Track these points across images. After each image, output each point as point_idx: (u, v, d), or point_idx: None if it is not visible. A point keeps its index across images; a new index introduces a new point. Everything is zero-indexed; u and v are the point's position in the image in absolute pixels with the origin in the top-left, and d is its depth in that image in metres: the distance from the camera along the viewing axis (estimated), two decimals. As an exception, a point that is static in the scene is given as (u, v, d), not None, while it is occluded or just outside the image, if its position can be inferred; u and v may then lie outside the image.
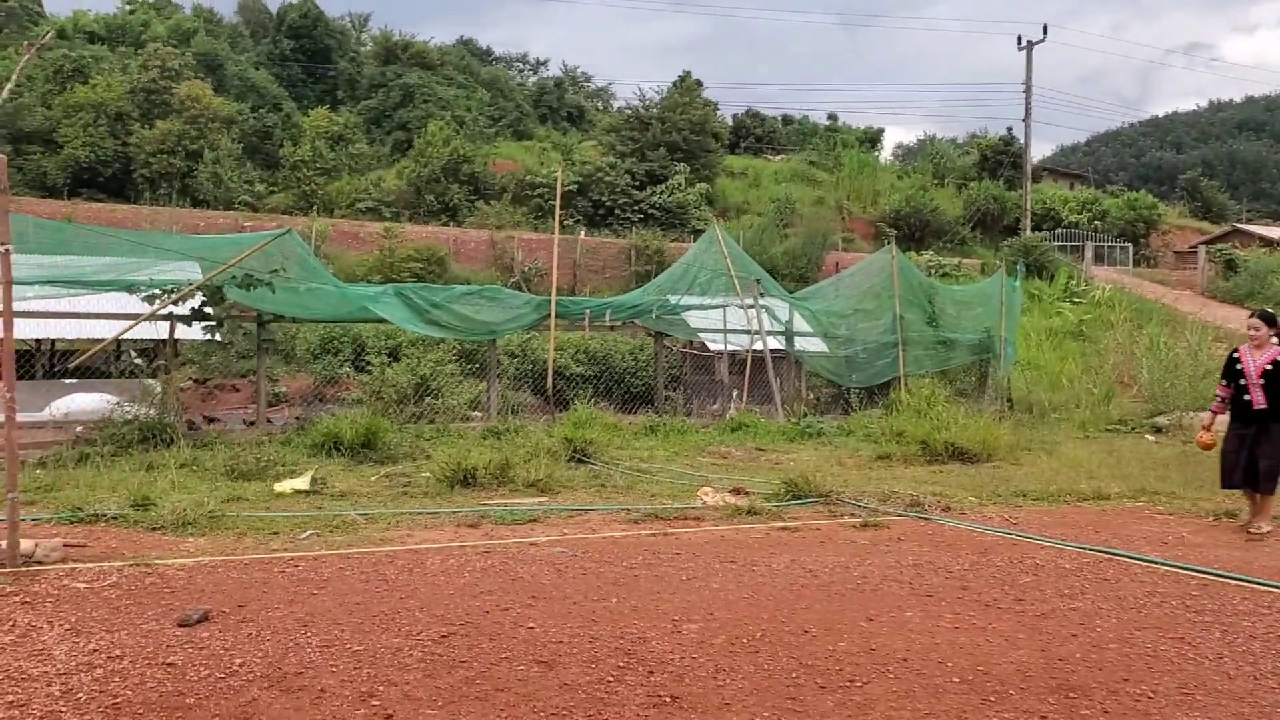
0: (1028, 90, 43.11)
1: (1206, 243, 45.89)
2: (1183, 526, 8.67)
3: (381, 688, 4.45)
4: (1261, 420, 8.46)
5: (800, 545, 7.63)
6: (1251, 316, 8.83)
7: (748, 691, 4.49)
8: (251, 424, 13.65)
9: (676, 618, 5.59)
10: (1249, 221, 59.30)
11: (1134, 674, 4.71)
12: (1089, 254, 42.28)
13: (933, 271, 32.85)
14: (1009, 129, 62.82)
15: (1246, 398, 8.55)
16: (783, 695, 4.44)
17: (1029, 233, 43.54)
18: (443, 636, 5.18)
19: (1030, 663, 4.94)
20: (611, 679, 4.61)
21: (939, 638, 5.30)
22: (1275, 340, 8.64)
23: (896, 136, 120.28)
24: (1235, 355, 8.79)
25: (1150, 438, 15.84)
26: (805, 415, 16.40)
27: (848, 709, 4.29)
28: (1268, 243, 43.87)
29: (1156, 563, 7.08)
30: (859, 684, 4.59)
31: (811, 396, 18.79)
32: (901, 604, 5.96)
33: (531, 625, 5.39)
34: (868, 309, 18.84)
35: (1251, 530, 8.30)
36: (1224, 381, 8.84)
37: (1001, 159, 55.26)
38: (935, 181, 53.87)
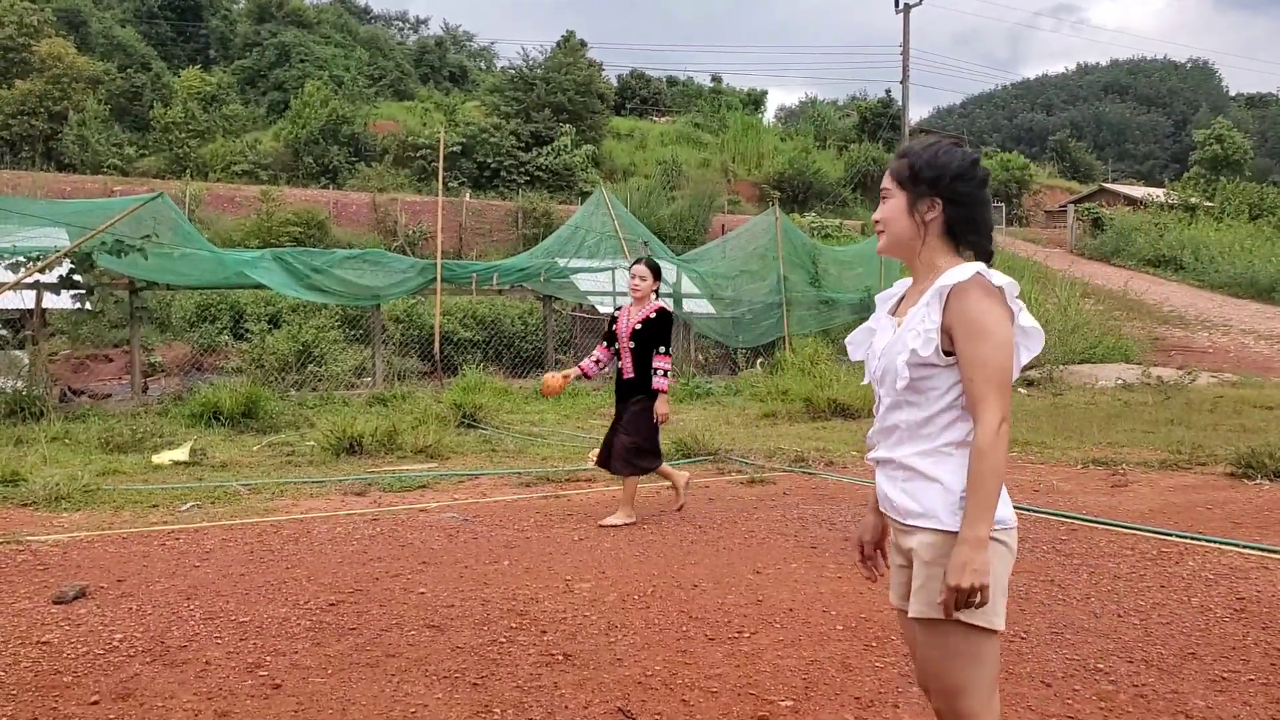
0: (905, 53, 43.83)
1: (1075, 202, 47.67)
2: (1053, 474, 9.03)
3: (269, 658, 4.40)
4: (632, 392, 7.09)
5: (689, 503, 7.74)
6: (636, 263, 7.21)
7: (639, 646, 4.56)
8: (106, 395, 13.21)
9: (569, 577, 5.63)
10: (1115, 181, 61.78)
11: (1009, 616, 4.92)
12: (966, 214, 43.39)
13: (815, 233, 33.42)
14: (888, 91, 64.08)
15: (619, 364, 7.15)
16: (673, 649, 4.53)
17: (907, 194, 44.47)
18: (331, 605, 5.12)
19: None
20: (504, 640, 4.63)
21: (823, 588, 5.45)
22: (657, 296, 7.23)
23: (779, 99, 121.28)
24: (614, 313, 7.34)
25: (1022, 390, 16.43)
26: (694, 376, 16.58)
27: (736, 659, 4.40)
28: (1132, 201, 45.78)
29: (1028, 510, 7.38)
30: (747, 634, 4.70)
31: (700, 358, 19.00)
32: (787, 556, 6.11)
33: (422, 590, 5.37)
34: (753, 270, 19.09)
35: (602, 522, 6.97)
36: (604, 343, 7.28)
37: (881, 121, 56.35)
38: (817, 144, 54.64)
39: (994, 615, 2.36)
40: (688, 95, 67.68)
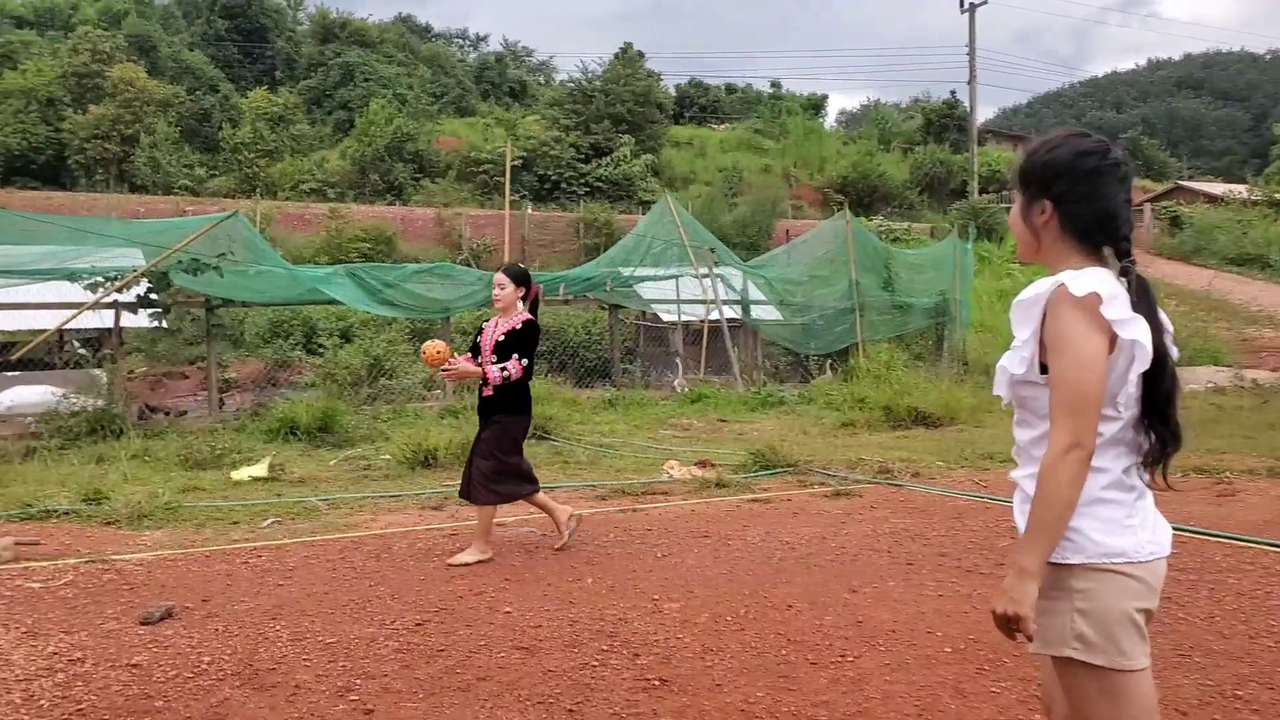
0: (971, 53, 43.26)
1: (1151, 200, 46.51)
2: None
3: (359, 681, 4.30)
4: (493, 411, 6.43)
5: (774, 517, 7.56)
6: (499, 271, 6.61)
7: (738, 671, 4.39)
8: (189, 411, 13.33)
9: (656, 596, 5.47)
10: (1191, 179, 60.24)
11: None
12: (1035, 215, 42.59)
13: (883, 236, 32.94)
14: (952, 92, 63.16)
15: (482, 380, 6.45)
16: (774, 674, 4.35)
17: (976, 195, 43.83)
18: (417, 624, 5.02)
19: (1018, 628, 4.88)
20: (596, 663, 4.49)
21: (924, 607, 5.24)
22: (523, 305, 6.56)
23: (840, 102, 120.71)
24: (483, 325, 6.78)
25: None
26: (765, 384, 16.36)
27: (841, 685, 4.21)
28: (1211, 199, 44.53)
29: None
30: (850, 658, 4.51)
31: (769, 365, 18.77)
32: (883, 574, 5.89)
33: (508, 609, 5.25)
34: (823, 275, 18.82)
35: (451, 561, 6.24)
36: (469, 355, 6.62)
37: (946, 122, 55.55)
38: (881, 147, 54.01)
39: (1114, 654, 2.17)
40: (747, 102, 67.36)
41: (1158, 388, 2.22)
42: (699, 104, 65.12)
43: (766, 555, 6.39)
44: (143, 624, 5.04)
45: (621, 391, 15.72)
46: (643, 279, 18.06)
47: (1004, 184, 48.86)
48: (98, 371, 12.23)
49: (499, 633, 4.90)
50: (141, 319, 12.72)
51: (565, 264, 29.15)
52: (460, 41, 78.40)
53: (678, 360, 17.75)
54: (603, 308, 19.37)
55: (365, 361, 14.26)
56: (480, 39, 79.46)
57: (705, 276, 17.46)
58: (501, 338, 6.37)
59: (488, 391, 6.40)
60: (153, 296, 12.29)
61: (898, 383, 14.08)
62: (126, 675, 4.34)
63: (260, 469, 9.34)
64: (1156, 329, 2.21)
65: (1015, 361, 2.30)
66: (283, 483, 9.11)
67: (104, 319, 13.04)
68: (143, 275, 11.93)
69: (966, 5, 43.31)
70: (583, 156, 42.21)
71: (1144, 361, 2.17)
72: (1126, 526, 2.21)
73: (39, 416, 11.36)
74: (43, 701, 4.03)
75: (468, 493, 6.47)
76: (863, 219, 35.33)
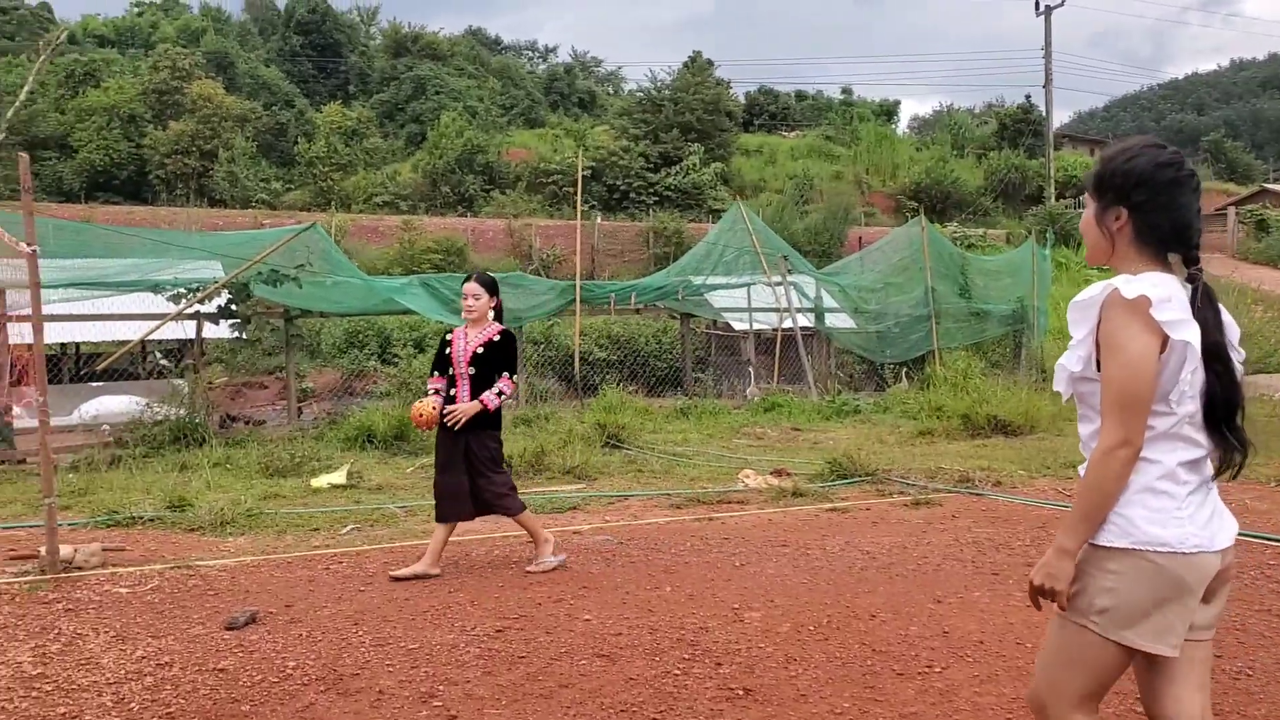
0: (1047, 55, 42.52)
1: (1235, 204, 45.25)
2: (1244, 493, 8.40)
3: (442, 687, 4.29)
4: (472, 426, 6.12)
5: (853, 526, 7.44)
6: (469, 280, 6.28)
7: (823, 681, 4.30)
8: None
9: (736, 605, 5.40)
10: (1276, 181, 58.50)
11: (1226, 649, 4.49)
12: (1113, 220, 41.69)
13: (958, 242, 32.45)
14: (1027, 96, 62.12)
15: (454, 392, 6.18)
16: (860, 684, 4.25)
17: (1053, 201, 43.02)
18: (498, 631, 5.01)
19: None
20: (678, 672, 4.43)
21: (1012, 618, 5.10)
22: (493, 316, 6.36)
23: (912, 108, 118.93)
24: (448, 338, 6.34)
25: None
26: (839, 393, 16.17)
27: (930, 696, 4.10)
28: (1298, 202, 43.21)
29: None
30: (938, 669, 4.40)
31: (844, 374, 18.57)
32: (967, 584, 5.76)
33: (587, 617, 5.22)
34: (898, 283, 18.57)
35: (531, 567, 6.21)
36: (434, 372, 6.35)
37: (1021, 127, 54.66)
38: (954, 152, 53.34)
39: (1127, 632, 2.33)
40: (817, 108, 67.04)
41: (1223, 395, 2.34)
42: (769, 111, 64.93)
43: (847, 564, 6.28)
44: (228, 629, 5.10)
45: (694, 400, 15.66)
46: (714, 287, 17.99)
47: (1081, 189, 47.98)
48: (180, 381, 12.46)
49: (579, 640, 4.87)
50: (222, 330, 12.95)
51: (634, 273, 29.20)
52: (530, 53, 79.25)
53: (750, 368, 17.64)
54: (674, 317, 19.33)
55: (439, 370, 14.37)
56: (549, 50, 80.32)
57: (778, 284, 17.33)
58: (480, 349, 6.13)
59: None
60: (233, 307, 12.51)
61: (975, 390, 13.80)
62: (213, 679, 4.38)
63: (339, 476, 9.44)
64: (1220, 334, 2.34)
65: (1073, 360, 2.42)
66: (361, 490, 9.20)
67: (186, 330, 13.30)
68: (223, 286, 12.15)
69: (1042, 8, 42.58)
70: (651, 166, 42.29)
71: (1194, 362, 2.28)
72: (1175, 518, 2.30)
73: (124, 425, 11.62)
74: (133, 704, 4.08)
75: (475, 511, 6.24)
76: (937, 225, 34.88)
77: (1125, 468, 2.29)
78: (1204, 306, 2.33)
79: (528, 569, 6.18)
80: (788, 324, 17.13)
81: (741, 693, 4.19)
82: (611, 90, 72.19)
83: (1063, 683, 2.44)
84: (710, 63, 51.60)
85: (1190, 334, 2.26)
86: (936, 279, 18.07)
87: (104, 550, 6.57)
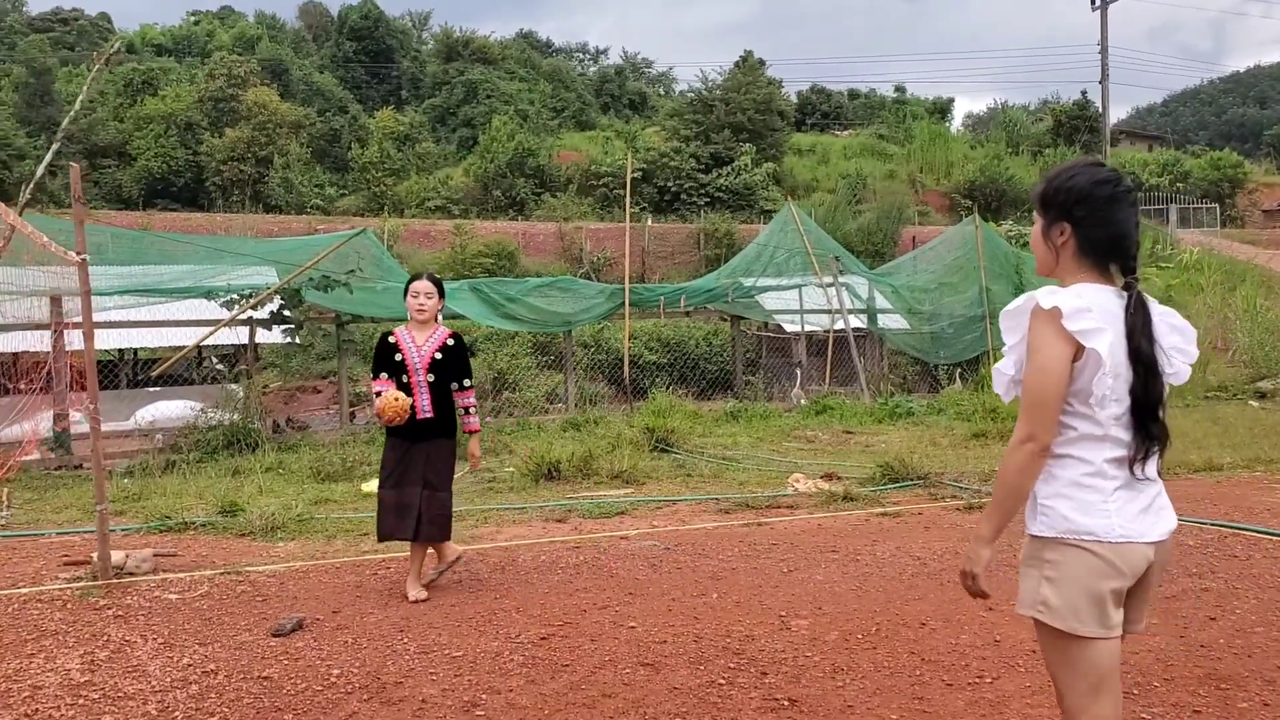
0: (1103, 50, 41.83)
1: (1299, 200, 44.11)
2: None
3: (484, 696, 4.27)
4: (430, 435, 5.88)
5: (904, 531, 7.32)
6: (419, 279, 6.02)
7: (870, 692, 4.22)
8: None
9: (783, 613, 5.33)
10: (1341, 175, 56.93)
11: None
12: (1173, 217, 40.93)
13: (1013, 241, 31.97)
14: (1083, 92, 61.21)
15: (411, 400, 5.83)
16: (908, 695, 4.16)
17: (1110, 198, 42.17)
18: (542, 638, 4.98)
19: (1170, 650, 4.60)
20: (723, 681, 4.37)
21: (1068, 627, 4.96)
22: (440, 319, 6.24)
23: (966, 106, 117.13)
24: (391, 339, 5.96)
25: (1255, 404, 15.16)
26: (892, 395, 15.97)
27: (980, 708, 4.00)
28: (1365, 197, 42.04)
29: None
30: (988, 679, 4.29)
31: (896, 375, 18.35)
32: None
33: (632, 624, 5.17)
34: (952, 283, 18.30)
35: (411, 594, 5.75)
36: (384, 376, 5.91)
37: (1077, 124, 53.72)
38: (1009, 150, 52.53)
39: (1071, 620, 2.49)
40: (870, 107, 66.40)
41: (1148, 393, 2.53)
42: (821, 110, 64.49)
43: (898, 571, 6.17)
44: (274, 636, 5.12)
45: (744, 403, 15.55)
46: (765, 289, 17.85)
47: (1139, 186, 47.08)
48: (234, 386, 12.61)
49: (624, 648, 4.82)
50: (275, 335, 13.08)
51: (685, 275, 29.12)
52: (580, 55, 79.40)
53: (797, 370, 17.49)
54: (724, 319, 19.22)
55: (489, 375, 14.43)
56: (600, 52, 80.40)
57: (830, 285, 17.17)
58: (438, 354, 5.90)
59: (426, 413, 5.84)
60: (285, 313, 12.62)
61: (1031, 392, 13.52)
62: (258, 687, 4.39)
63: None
64: (1148, 341, 2.52)
65: (1008, 365, 2.67)
66: (410, 495, 9.21)
67: (240, 336, 13.45)
68: (276, 292, 12.27)
69: (1098, 2, 41.89)
70: (703, 167, 42.11)
71: (1109, 367, 2.45)
72: (1100, 510, 2.50)
73: (178, 430, 11.77)
74: (177, 713, 4.10)
75: (432, 533, 5.85)
76: (992, 224, 34.39)
77: (1031, 460, 2.49)
78: (1136, 313, 2.53)
79: (411, 596, 5.74)
80: (840, 325, 16.96)
81: (787, 703, 4.12)
82: (662, 91, 72.09)
83: (1062, 680, 2.59)
84: (762, 62, 51.32)
85: (1101, 342, 2.44)
86: (991, 278, 17.79)
87: (155, 556, 6.64)
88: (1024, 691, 4.15)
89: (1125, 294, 2.56)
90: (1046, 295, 2.50)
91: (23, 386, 12.11)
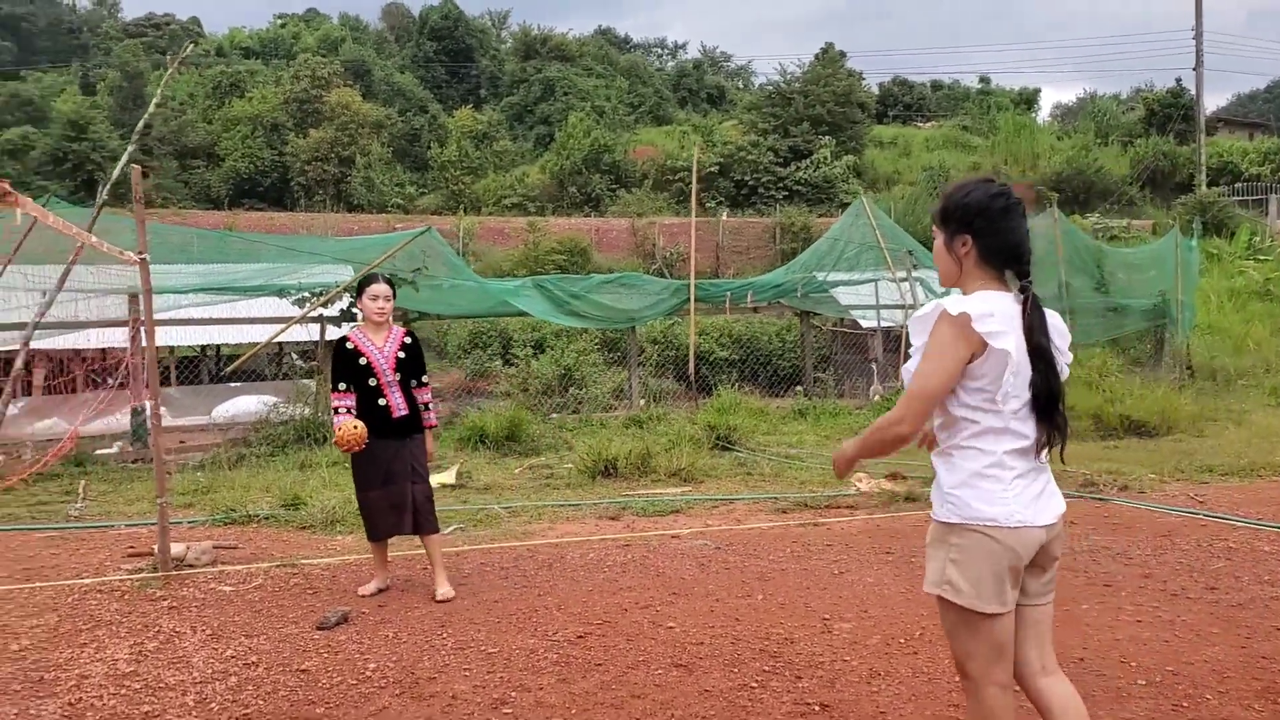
0: (1198, 36, 40.50)
1: None
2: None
3: (514, 694, 4.27)
4: (408, 431, 5.96)
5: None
6: (375, 282, 6.05)
7: (905, 698, 4.13)
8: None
9: (827, 616, 5.24)
10: None
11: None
12: (1274, 208, 39.41)
13: (1099, 235, 31.10)
14: (1177, 80, 59.20)
15: (383, 402, 5.86)
16: (944, 702, 4.06)
17: (1204, 189, 40.88)
18: (579, 637, 4.97)
19: (1227, 661, 4.42)
20: (755, 685, 4.31)
21: (1119, 633, 4.81)
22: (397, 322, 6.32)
23: (1053, 96, 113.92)
24: (349, 346, 5.95)
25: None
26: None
27: (1019, 716, 3.86)
28: None
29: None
30: (1029, 688, 4.15)
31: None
32: (1076, 595, 5.45)
33: (671, 625, 5.13)
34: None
35: (439, 594, 5.78)
36: (342, 387, 5.89)
37: (1171, 112, 52.06)
38: (1098, 141, 51.12)
39: (973, 598, 2.73)
40: (954, 98, 65.23)
41: (1045, 387, 2.77)
42: (903, 102, 63.59)
43: (949, 574, 6.02)
44: (319, 629, 5.19)
45: (813, 401, 15.37)
46: (838, 284, 17.60)
47: (1237, 175, 45.57)
48: (306, 381, 12.83)
49: (659, 648, 4.79)
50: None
51: (759, 270, 28.89)
52: (658, 50, 79.31)
53: (874, 367, 17.23)
54: (796, 314, 19.04)
55: (556, 371, 14.48)
56: (679, 47, 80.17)
57: (903, 280, 16.88)
58: (401, 354, 5.98)
59: (401, 411, 5.90)
60: (354, 311, 12.80)
61: (1109, 390, 13.15)
62: (294, 680, 4.45)
63: (448, 476, 9.56)
64: (1045, 338, 2.76)
65: (915, 363, 2.83)
66: (468, 490, 9.30)
67: (314, 332, 13.69)
68: (344, 290, 12.45)
69: (1190, -15, 40.50)
70: (781, 160, 41.77)
71: (1014, 366, 2.70)
72: (1000, 498, 2.73)
73: (251, 425, 12.02)
74: (213, 705, 4.18)
75: (430, 523, 5.97)
76: (1077, 216, 33.55)
77: (896, 441, 2.81)
78: (1032, 313, 2.77)
79: (439, 595, 5.75)
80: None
81: (818, 708, 4.05)
82: (741, 85, 71.74)
83: (964, 649, 2.82)
84: (842, 54, 50.75)
85: (1007, 343, 2.68)
86: (1071, 272, 17.30)
87: (215, 548, 6.79)
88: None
89: (1022, 296, 2.80)
90: (954, 303, 2.73)
91: (110, 382, 12.51)
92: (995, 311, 2.71)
